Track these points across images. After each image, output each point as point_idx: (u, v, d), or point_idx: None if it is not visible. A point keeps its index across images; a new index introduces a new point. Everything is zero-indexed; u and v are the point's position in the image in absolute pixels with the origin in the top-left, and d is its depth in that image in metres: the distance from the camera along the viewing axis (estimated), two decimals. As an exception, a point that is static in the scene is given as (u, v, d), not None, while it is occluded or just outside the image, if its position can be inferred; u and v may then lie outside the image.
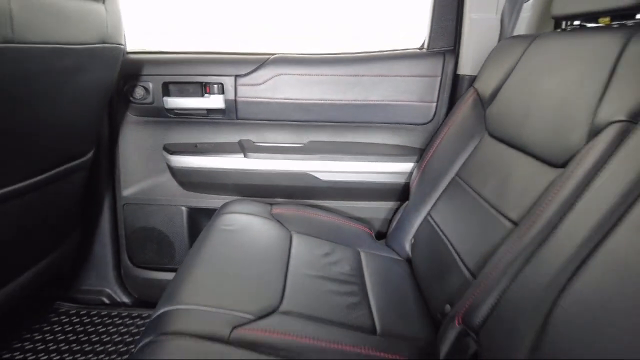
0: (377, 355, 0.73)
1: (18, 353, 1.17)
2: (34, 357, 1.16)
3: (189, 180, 1.33)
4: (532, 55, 0.92)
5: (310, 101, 1.28)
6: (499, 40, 1.16)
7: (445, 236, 0.96)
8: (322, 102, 1.28)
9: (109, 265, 1.41)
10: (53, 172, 0.97)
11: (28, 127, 0.83)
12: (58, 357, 1.17)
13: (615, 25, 0.78)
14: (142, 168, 1.35)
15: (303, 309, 0.81)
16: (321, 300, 0.85)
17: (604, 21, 0.81)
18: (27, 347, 1.19)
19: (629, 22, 0.75)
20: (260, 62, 1.26)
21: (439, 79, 1.26)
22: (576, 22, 0.88)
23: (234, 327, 0.70)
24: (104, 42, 0.96)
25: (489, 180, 0.91)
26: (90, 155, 1.13)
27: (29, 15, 0.70)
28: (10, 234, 0.92)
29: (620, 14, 0.76)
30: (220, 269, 0.88)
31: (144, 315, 1.35)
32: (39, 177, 0.93)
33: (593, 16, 0.81)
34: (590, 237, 0.51)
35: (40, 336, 1.24)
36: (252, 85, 1.27)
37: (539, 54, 0.90)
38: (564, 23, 0.94)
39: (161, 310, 0.75)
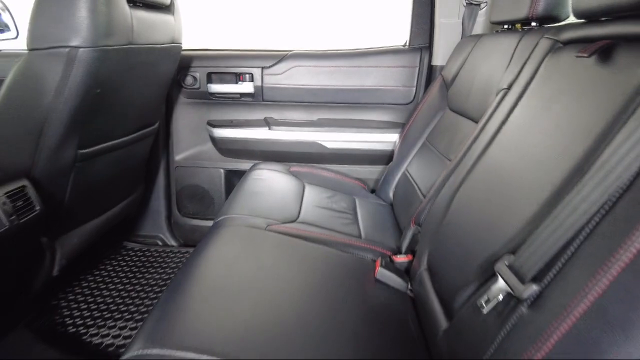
0: (361, 245, 1.12)
1: (96, 277, 1.56)
2: (108, 280, 1.55)
3: (226, 147, 1.73)
4: (477, 49, 1.30)
5: (318, 87, 1.67)
6: (462, 38, 1.53)
7: (415, 181, 1.34)
8: (328, 87, 1.67)
9: (162, 215, 1.82)
10: (137, 134, 1.38)
11: (129, 100, 1.24)
12: (125, 282, 1.55)
13: (525, 29, 1.15)
14: (190, 138, 1.76)
15: (313, 221, 1.20)
16: (325, 219, 1.25)
17: (518, 26, 1.18)
18: (103, 274, 1.59)
19: (533, 27, 1.12)
20: (280, 57, 1.66)
21: (417, 69, 1.63)
22: (505, 26, 1.25)
23: (268, 225, 1.10)
24: (172, 42, 1.36)
25: (444, 140, 1.29)
26: (156, 125, 1.54)
27: (140, 26, 1.10)
28: (111, 174, 1.33)
29: (526, 23, 1.12)
30: (255, 198, 1.28)
31: (188, 255, 1.75)
32: (129, 136, 1.33)
33: (512, 23, 1.18)
34: (475, 160, 0.89)
35: (111, 267, 1.64)
36: (274, 74, 1.67)
37: (481, 48, 1.28)
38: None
39: (221, 218, 1.15)
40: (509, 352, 0.56)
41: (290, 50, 1.67)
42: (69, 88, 0.98)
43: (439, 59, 1.59)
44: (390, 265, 1.02)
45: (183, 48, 1.52)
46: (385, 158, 1.69)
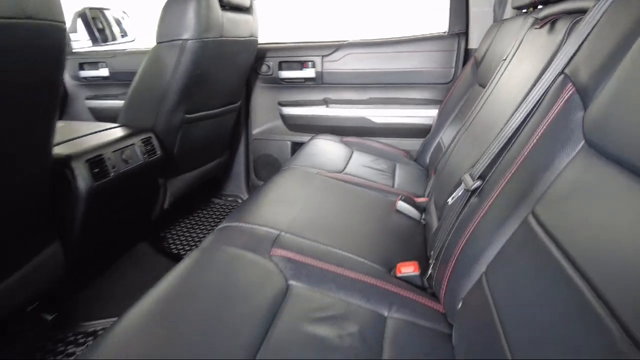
0: (391, 190, 1.41)
1: (191, 220, 2.02)
2: (200, 223, 1.99)
3: (292, 123, 2.10)
4: (500, 31, 1.52)
5: (369, 70, 1.97)
6: (493, 23, 1.74)
7: (447, 148, 1.59)
8: (377, 70, 1.96)
9: (242, 178, 2.25)
10: (224, 108, 1.79)
11: (219, 81, 1.65)
12: (212, 226, 1.98)
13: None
14: (264, 116, 2.16)
15: (354, 174, 1.52)
16: (365, 173, 1.55)
17: (531, 10, 1.40)
18: (196, 219, 2.04)
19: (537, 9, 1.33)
20: (337, 46, 1.99)
21: (455, 52, 1.87)
22: (524, 10, 1.45)
23: (318, 172, 1.44)
24: (251, 37, 1.75)
25: (474, 112, 1.54)
26: (239, 104, 1.95)
27: (228, 23, 1.50)
28: (207, 138, 1.76)
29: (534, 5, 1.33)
30: (311, 157, 1.62)
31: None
32: (219, 109, 1.75)
33: (525, 7, 1.40)
34: (474, 116, 1.15)
35: (202, 215, 2.08)
36: (332, 61, 2.01)
37: (502, 30, 1.50)
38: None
39: (284, 168, 1.51)
40: (461, 226, 0.85)
41: (345, 40, 2.00)
42: (180, 69, 1.40)
43: (474, 43, 1.82)
44: (410, 202, 1.31)
45: (259, 42, 1.91)
46: (426, 131, 1.95)
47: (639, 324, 0.35)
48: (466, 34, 1.85)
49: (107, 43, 2.45)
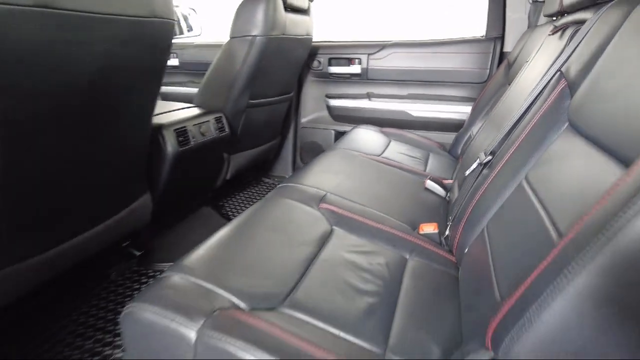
0: (422, 173, 1.63)
1: (244, 194, 2.30)
2: (250, 197, 2.27)
3: (337, 114, 2.35)
4: (531, 37, 1.69)
5: (409, 68, 2.18)
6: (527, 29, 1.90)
7: (474, 139, 1.78)
8: (417, 69, 2.17)
9: (289, 161, 2.51)
10: (279, 97, 2.06)
11: (277, 72, 1.91)
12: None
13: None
14: (313, 106, 2.42)
15: (391, 157, 1.74)
16: (400, 157, 1.77)
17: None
18: (248, 194, 2.32)
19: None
20: (382, 45, 2.21)
21: (491, 54, 2.04)
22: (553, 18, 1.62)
23: (358, 154, 1.67)
24: (307, 35, 2.01)
25: (497, 105, 1.72)
26: (291, 94, 2.21)
27: (289, 23, 1.76)
28: (264, 122, 2.03)
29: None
30: (352, 143, 1.85)
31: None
32: (275, 97, 2.01)
33: (553, 16, 1.56)
34: (496, 106, 1.35)
35: (254, 191, 2.36)
36: (377, 59, 2.23)
37: (533, 35, 1.67)
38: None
39: (328, 150, 1.75)
40: (473, 193, 1.06)
41: (390, 41, 2.21)
42: (248, 60, 1.67)
43: (508, 47, 1.98)
44: (438, 182, 1.51)
45: (313, 40, 2.16)
46: (459, 126, 2.13)
47: (565, 226, 0.56)
48: (502, 38, 2.02)
49: (176, 36, 2.78)
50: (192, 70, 2.59)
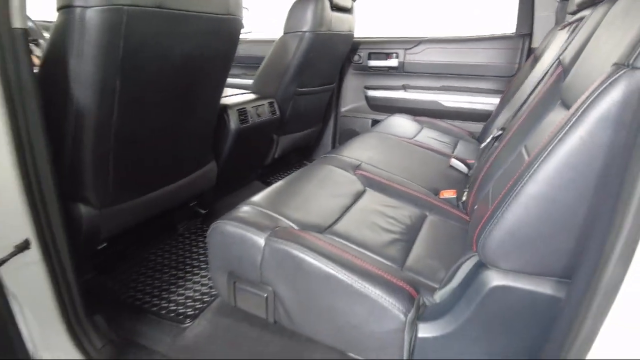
0: (449, 154, 1.83)
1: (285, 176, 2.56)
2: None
3: (374, 104, 2.57)
4: (556, 33, 1.85)
5: (443, 62, 2.37)
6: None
7: (497, 121, 1.96)
8: (450, 63, 2.36)
9: (329, 147, 2.76)
10: (322, 87, 2.31)
11: (322, 64, 2.16)
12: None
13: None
14: (352, 97, 2.65)
15: (421, 141, 1.95)
16: (429, 141, 1.97)
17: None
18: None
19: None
20: (418, 41, 2.41)
21: (520, 50, 2.20)
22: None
23: (393, 136, 1.90)
24: (349, 31, 2.24)
25: (518, 93, 1.89)
26: (333, 85, 2.45)
27: (335, 20, 2.01)
28: (308, 109, 2.28)
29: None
30: (387, 128, 2.07)
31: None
32: (319, 87, 2.27)
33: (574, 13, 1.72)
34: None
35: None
36: (413, 54, 2.43)
37: (557, 33, 1.83)
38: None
39: (364, 133, 1.98)
40: (485, 163, 1.26)
41: (425, 37, 2.41)
42: (298, 53, 1.93)
43: (536, 43, 2.14)
44: (462, 161, 1.71)
45: (354, 36, 2.39)
46: (488, 116, 2.30)
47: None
48: (530, 35, 2.17)
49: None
50: (246, 63, 2.89)
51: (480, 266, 0.77)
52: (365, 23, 2.59)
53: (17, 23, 0.83)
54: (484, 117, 2.32)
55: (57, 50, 0.98)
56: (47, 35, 1.63)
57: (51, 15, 1.60)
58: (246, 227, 0.93)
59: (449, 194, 1.39)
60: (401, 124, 2.18)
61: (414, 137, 2.01)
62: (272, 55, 2.01)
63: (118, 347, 1.11)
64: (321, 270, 0.85)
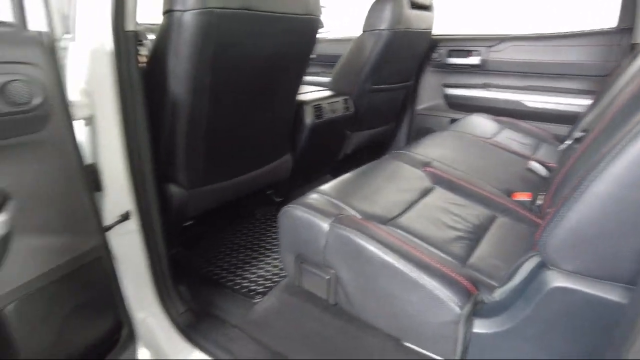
0: (529, 155, 1.75)
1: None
2: None
3: (453, 102, 2.52)
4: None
5: (528, 61, 2.25)
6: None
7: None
8: (536, 61, 2.23)
9: (403, 144, 2.76)
10: (400, 84, 2.32)
11: (398, 62, 2.17)
12: None
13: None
14: (429, 95, 2.62)
15: (499, 141, 1.88)
16: (508, 142, 1.90)
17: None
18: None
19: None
20: (501, 38, 2.32)
21: (618, 46, 2.02)
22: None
23: (471, 135, 1.86)
24: (428, 29, 2.23)
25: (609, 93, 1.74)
26: (410, 82, 2.45)
27: (414, 18, 2.01)
28: (383, 107, 2.31)
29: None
30: (465, 127, 2.03)
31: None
32: (395, 84, 2.28)
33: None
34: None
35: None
36: (496, 51, 2.34)
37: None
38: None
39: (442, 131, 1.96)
40: (564, 166, 1.21)
41: (508, 35, 2.31)
42: (375, 51, 1.97)
43: (638, 38, 1.95)
44: (542, 163, 1.63)
45: (433, 33, 2.37)
46: (575, 118, 2.14)
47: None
48: (631, 29, 1.99)
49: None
50: (323, 62, 2.98)
51: (542, 266, 0.76)
52: (445, 20, 2.55)
53: (129, 26, 0.98)
54: (571, 119, 2.16)
55: (159, 49, 1.13)
56: (150, 36, 1.85)
57: (154, 18, 1.80)
58: (313, 212, 1.00)
59: (523, 196, 1.35)
60: (480, 124, 2.12)
61: (493, 137, 1.95)
62: (349, 53, 2.07)
63: (196, 315, 1.25)
64: (380, 257, 0.90)
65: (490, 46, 2.35)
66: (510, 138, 1.98)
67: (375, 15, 1.95)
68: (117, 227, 1.03)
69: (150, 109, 1.05)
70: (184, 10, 1.05)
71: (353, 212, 1.05)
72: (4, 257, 0.72)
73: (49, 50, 0.77)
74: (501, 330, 0.80)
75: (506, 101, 2.33)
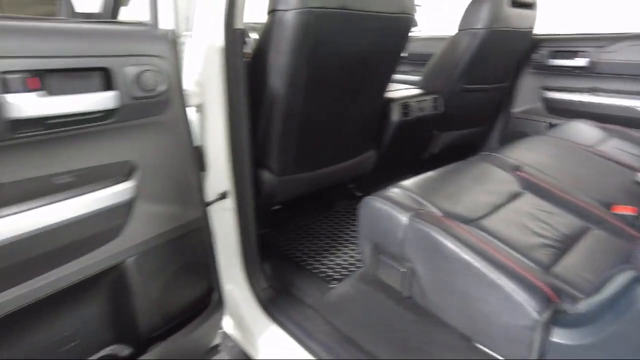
0: (635, 166, 1.59)
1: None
2: None
3: (554, 106, 2.36)
4: None
5: (647, 63, 2.03)
6: None
7: None
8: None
9: (495, 148, 2.64)
10: (496, 85, 2.22)
11: (498, 61, 2.09)
12: None
13: None
14: (526, 97, 2.48)
15: (600, 150, 1.73)
16: (611, 150, 1.74)
17: None
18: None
19: None
20: (617, 38, 2.11)
21: None
22: None
23: (572, 143, 1.74)
24: (529, 28, 2.11)
25: None
26: (507, 83, 2.34)
27: (514, 17, 1.92)
28: (474, 107, 2.24)
29: None
30: (567, 135, 1.90)
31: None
32: (490, 85, 2.19)
33: None
34: None
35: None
36: (608, 52, 2.14)
37: None
38: None
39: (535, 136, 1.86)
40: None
41: (627, 33, 2.10)
42: (470, 49, 1.92)
43: None
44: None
45: (535, 33, 2.23)
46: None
47: None
48: None
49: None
50: (416, 60, 2.96)
51: (636, 281, 0.72)
52: (548, 18, 2.39)
53: (238, 25, 1.09)
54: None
55: (262, 46, 1.23)
56: (251, 34, 2.01)
57: (257, 18, 1.94)
58: (393, 205, 1.04)
59: (625, 210, 1.24)
60: (582, 130, 1.96)
61: (596, 145, 1.80)
62: (443, 52, 2.04)
63: (276, 292, 1.35)
64: (458, 255, 0.90)
65: (601, 46, 2.16)
66: (617, 147, 1.81)
67: (472, 14, 1.90)
68: (215, 204, 1.16)
69: (251, 101, 1.16)
70: (286, 10, 1.14)
71: (434, 209, 1.06)
72: (129, 218, 0.86)
73: (174, 45, 0.90)
74: (584, 344, 0.77)
75: (616, 107, 2.13)
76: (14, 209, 0.69)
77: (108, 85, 0.79)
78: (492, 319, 0.87)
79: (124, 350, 0.97)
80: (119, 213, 0.84)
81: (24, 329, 0.81)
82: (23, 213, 0.70)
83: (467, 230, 0.98)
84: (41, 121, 0.70)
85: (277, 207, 1.60)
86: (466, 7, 1.93)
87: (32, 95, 0.69)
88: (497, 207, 1.16)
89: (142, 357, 0.96)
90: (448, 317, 0.99)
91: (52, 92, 0.72)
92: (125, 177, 0.84)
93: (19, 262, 0.72)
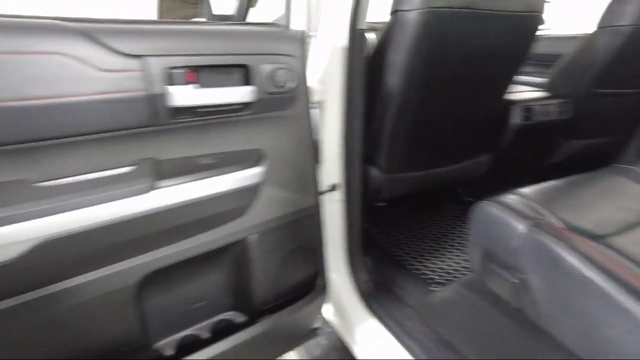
0: None
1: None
2: None
3: None
4: None
5: None
6: None
7: None
8: None
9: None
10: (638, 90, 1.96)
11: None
12: None
13: None
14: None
15: None
16: None
17: None
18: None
19: None
20: None
21: None
22: None
23: None
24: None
25: None
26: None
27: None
28: (611, 113, 2.01)
29: None
30: None
31: None
32: (631, 90, 1.94)
33: None
34: None
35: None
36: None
37: None
38: None
39: None
40: None
41: None
42: (610, 49, 1.72)
43: None
44: None
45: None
46: None
47: None
48: None
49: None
50: (540, 61, 2.73)
51: None
52: None
53: (361, 25, 1.14)
54: None
55: (383, 45, 1.26)
56: (367, 35, 2.04)
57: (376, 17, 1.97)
58: (509, 212, 0.99)
59: None
60: None
61: None
62: (575, 52, 1.86)
63: (377, 287, 1.37)
64: (580, 272, 0.83)
65: None
66: None
67: (616, 8, 1.70)
68: (326, 194, 1.22)
69: (367, 99, 1.20)
70: (410, 10, 1.15)
71: (554, 220, 0.99)
72: (255, 199, 0.96)
73: (303, 45, 0.98)
74: None
75: None
76: (169, 182, 0.82)
77: (247, 81, 0.89)
78: (617, 344, 0.79)
79: (239, 318, 1.08)
80: (247, 194, 0.94)
81: (169, 283, 0.95)
82: (175, 186, 0.82)
83: (593, 247, 0.90)
84: (194, 110, 0.82)
85: (382, 204, 1.62)
86: (609, 2, 1.74)
87: (189, 87, 0.81)
88: (631, 226, 1.04)
89: (251, 327, 1.06)
90: (563, 337, 0.92)
91: (203, 85, 0.84)
92: (255, 163, 0.94)
93: (168, 228, 0.85)
